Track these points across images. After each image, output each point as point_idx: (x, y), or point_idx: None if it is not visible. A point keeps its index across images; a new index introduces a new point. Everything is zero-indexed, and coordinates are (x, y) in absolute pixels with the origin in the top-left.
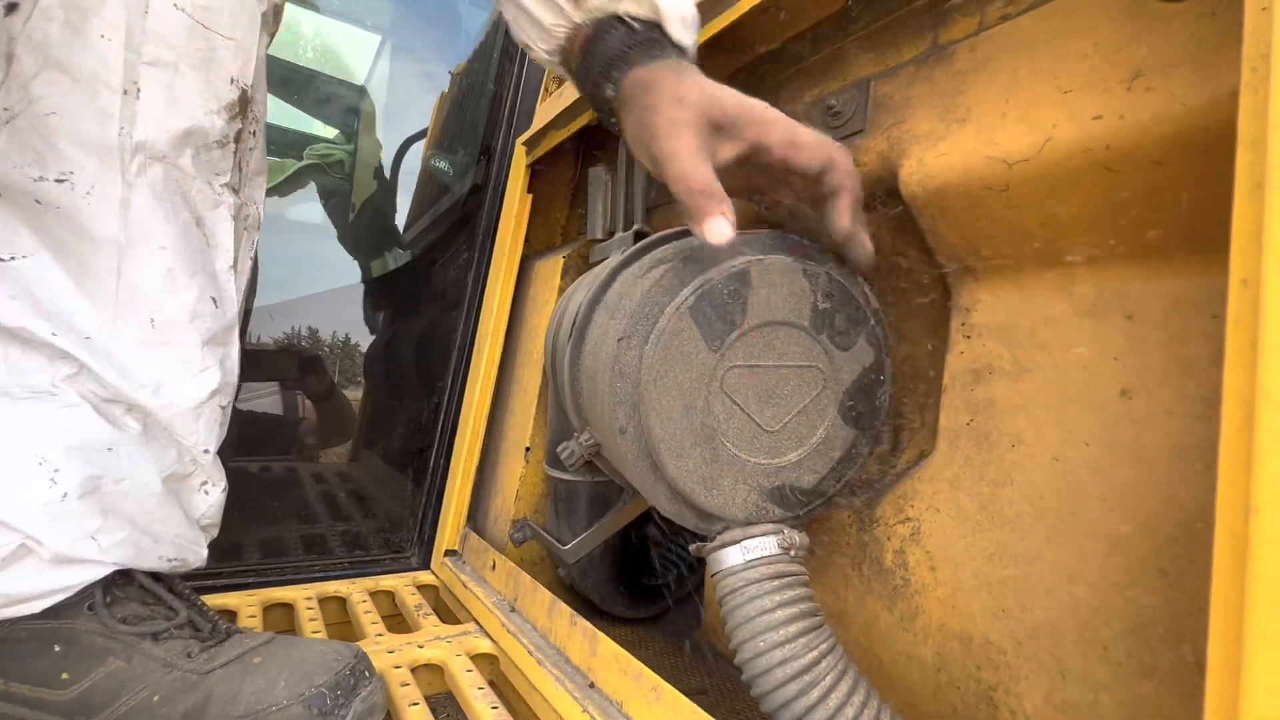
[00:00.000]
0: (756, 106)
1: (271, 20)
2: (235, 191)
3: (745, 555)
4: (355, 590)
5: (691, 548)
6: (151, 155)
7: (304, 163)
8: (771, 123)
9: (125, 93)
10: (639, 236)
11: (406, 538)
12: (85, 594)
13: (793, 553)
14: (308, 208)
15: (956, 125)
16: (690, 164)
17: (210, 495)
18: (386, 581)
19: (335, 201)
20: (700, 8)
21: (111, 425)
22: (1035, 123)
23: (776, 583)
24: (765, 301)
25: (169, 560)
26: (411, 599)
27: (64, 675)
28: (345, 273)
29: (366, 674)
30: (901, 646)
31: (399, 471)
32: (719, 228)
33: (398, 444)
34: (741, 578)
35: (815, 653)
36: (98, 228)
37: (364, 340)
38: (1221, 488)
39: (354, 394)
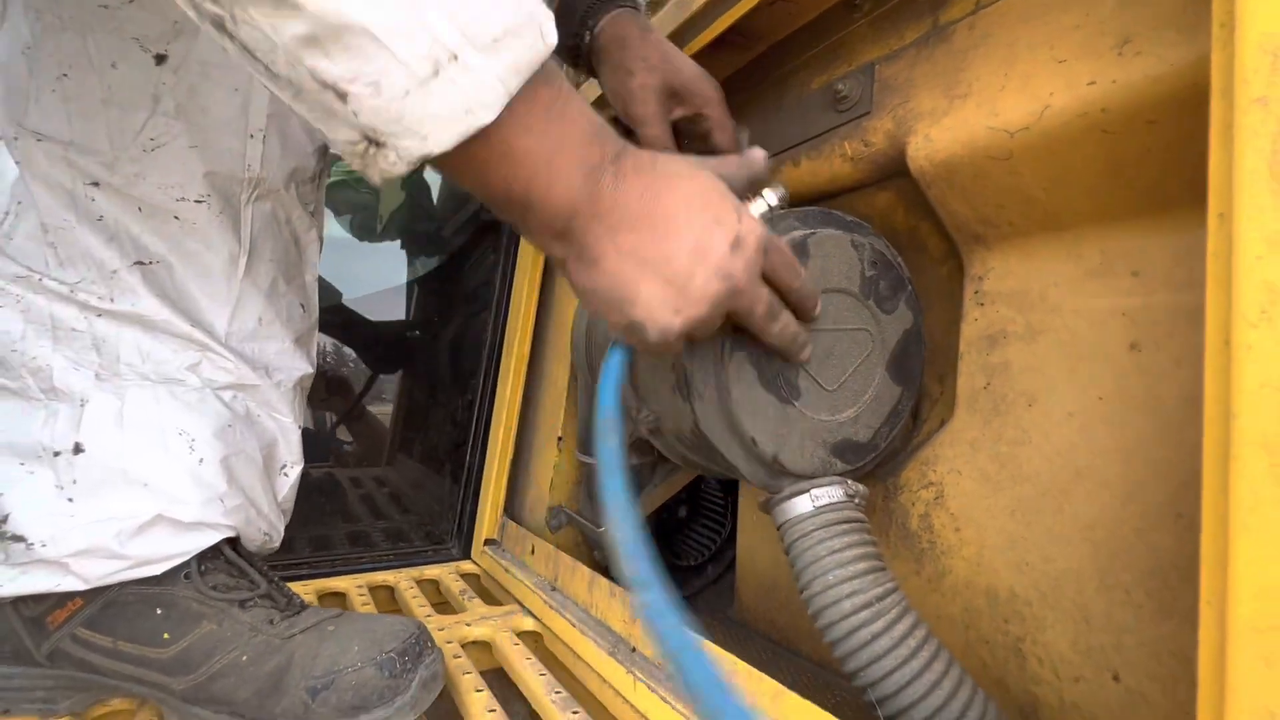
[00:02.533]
0: (706, 82)
1: None
2: (314, 217)
3: (814, 503)
4: (402, 579)
5: (759, 501)
6: (268, 188)
7: (333, 179)
8: (713, 101)
9: (252, 137)
10: None
11: (447, 530)
12: (182, 565)
13: (857, 500)
14: (331, 224)
15: (959, 101)
16: (656, 129)
17: (290, 477)
18: (430, 571)
19: (361, 216)
20: (711, 3)
21: (227, 407)
22: (1033, 92)
23: (844, 527)
24: (822, 270)
25: (263, 533)
26: (455, 585)
27: (165, 635)
28: (370, 282)
29: (430, 644)
30: (931, 606)
31: (436, 469)
32: None
33: (433, 442)
34: (811, 523)
35: (881, 589)
36: (223, 241)
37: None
38: (1207, 404)
39: (382, 409)
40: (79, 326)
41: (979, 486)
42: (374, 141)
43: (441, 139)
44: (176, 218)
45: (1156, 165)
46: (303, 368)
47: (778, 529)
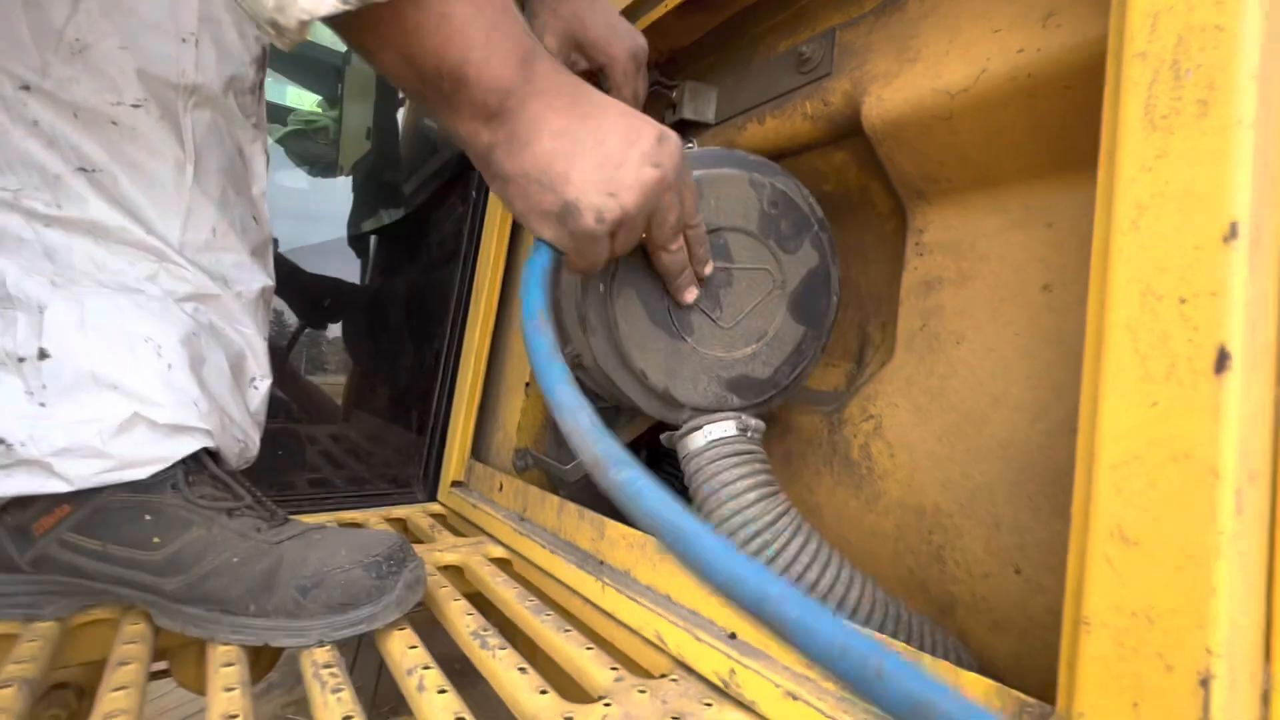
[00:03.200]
0: (615, 39)
1: None
2: (256, 128)
3: (707, 438)
4: (370, 516)
5: (662, 437)
6: (205, 95)
7: (289, 129)
8: (616, 59)
9: (184, 41)
10: None
11: (412, 474)
12: (168, 474)
13: (749, 434)
14: (285, 174)
15: (909, 64)
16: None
17: (260, 389)
18: (397, 511)
19: (318, 167)
20: None
21: (190, 317)
22: (972, 58)
23: (735, 459)
24: (715, 209)
25: (238, 441)
26: (424, 521)
27: (155, 539)
28: (324, 230)
29: (412, 553)
30: (867, 525)
31: (398, 419)
32: None
33: (394, 394)
34: (705, 457)
35: (772, 515)
36: (168, 149)
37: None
38: (1090, 298)
39: (325, 379)
40: (26, 235)
41: (912, 416)
42: None
43: None
44: (114, 123)
45: (1071, 127)
46: (262, 279)
47: (679, 462)
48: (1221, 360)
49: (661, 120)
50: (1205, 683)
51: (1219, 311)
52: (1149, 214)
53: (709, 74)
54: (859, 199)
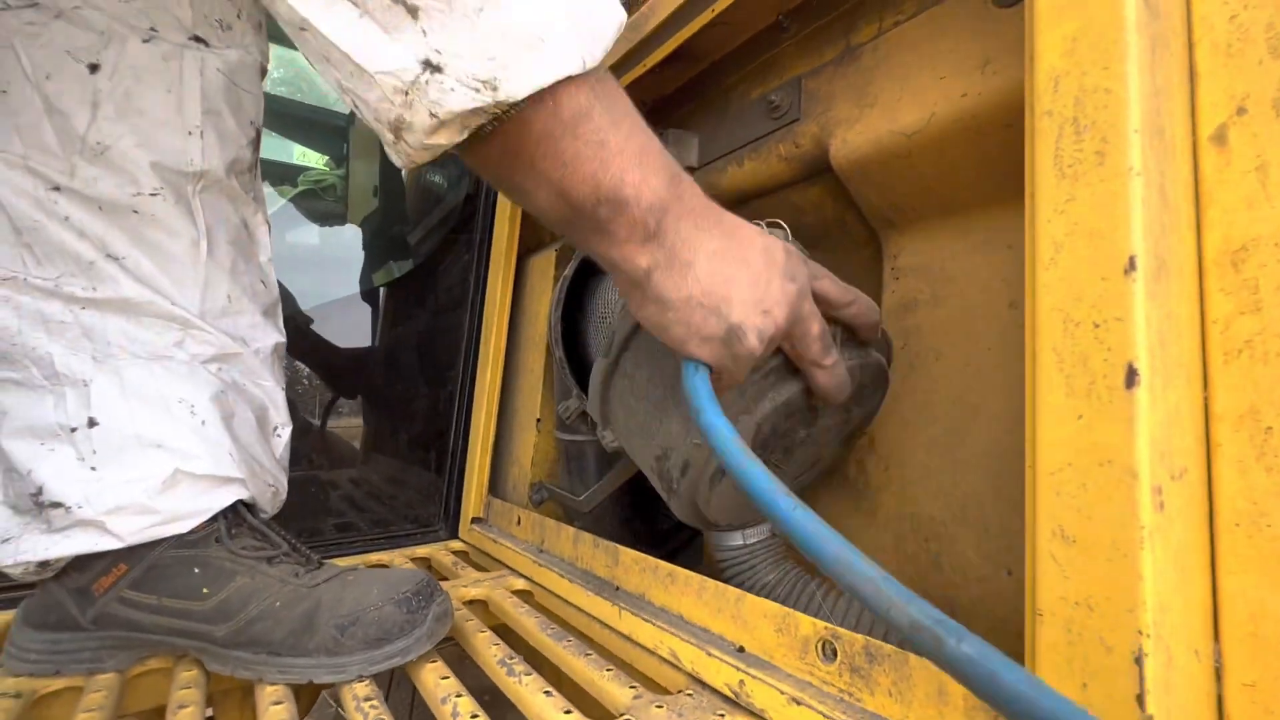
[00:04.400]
0: None
1: (264, 74)
2: (259, 209)
3: (745, 540)
4: (396, 557)
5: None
6: (211, 178)
7: (300, 189)
8: None
9: (190, 133)
10: None
11: (433, 514)
12: (212, 530)
13: (777, 534)
14: (300, 232)
15: (868, 109)
16: None
17: (282, 437)
18: (421, 550)
19: (330, 224)
20: (661, 27)
21: (215, 377)
22: (923, 103)
23: (768, 560)
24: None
25: (269, 485)
26: (447, 559)
27: (204, 590)
28: (337, 289)
29: (439, 588)
30: (868, 539)
31: (416, 460)
32: None
33: (410, 436)
34: (740, 553)
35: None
36: (183, 229)
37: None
38: (1026, 325)
39: (336, 423)
40: (67, 319)
41: (901, 431)
42: (432, 67)
43: (522, 78)
44: (135, 211)
45: (1015, 159)
46: (275, 336)
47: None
48: (1131, 376)
49: None
50: (1139, 660)
51: (1126, 334)
52: (1064, 251)
53: (689, 121)
54: (837, 229)
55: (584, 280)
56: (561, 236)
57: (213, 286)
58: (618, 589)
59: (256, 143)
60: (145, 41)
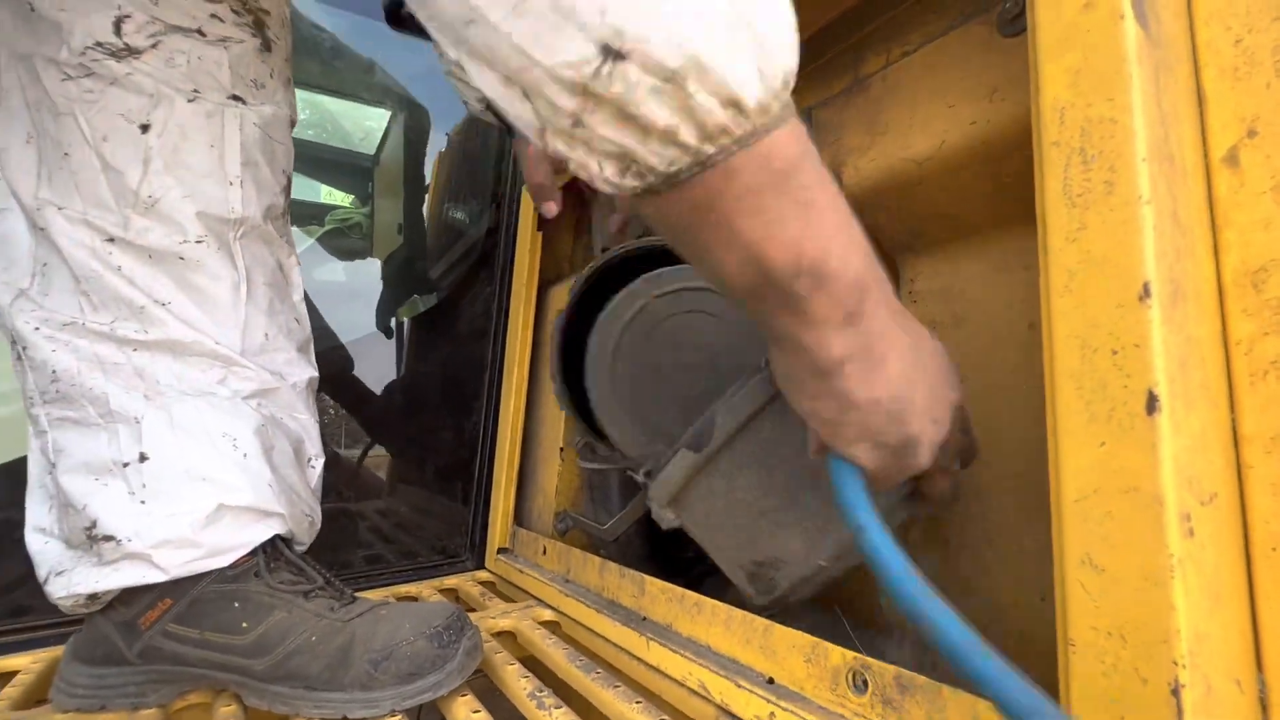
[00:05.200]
0: None
1: (292, 126)
2: (291, 254)
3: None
4: (424, 588)
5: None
6: (250, 225)
7: (327, 228)
8: None
9: (231, 183)
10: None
11: (460, 544)
12: (252, 564)
13: None
14: (327, 269)
15: (879, 137)
16: (535, 166)
17: (316, 467)
18: (449, 581)
19: (356, 261)
20: None
21: (256, 412)
22: (933, 131)
23: None
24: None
25: (306, 515)
26: (475, 590)
27: (244, 624)
28: (364, 325)
29: (468, 621)
30: None
31: (441, 491)
32: (544, 210)
33: (439, 465)
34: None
35: None
36: (224, 273)
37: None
38: (1045, 353)
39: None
40: (120, 360)
41: None
42: (614, 53)
43: (758, 80)
44: (181, 258)
45: (1029, 182)
46: (309, 371)
47: None
48: (1151, 402)
49: None
50: (1176, 691)
51: (1144, 360)
52: (1077, 278)
53: None
54: None
55: (585, 314)
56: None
57: (252, 326)
58: (645, 619)
59: (288, 189)
60: (190, 101)
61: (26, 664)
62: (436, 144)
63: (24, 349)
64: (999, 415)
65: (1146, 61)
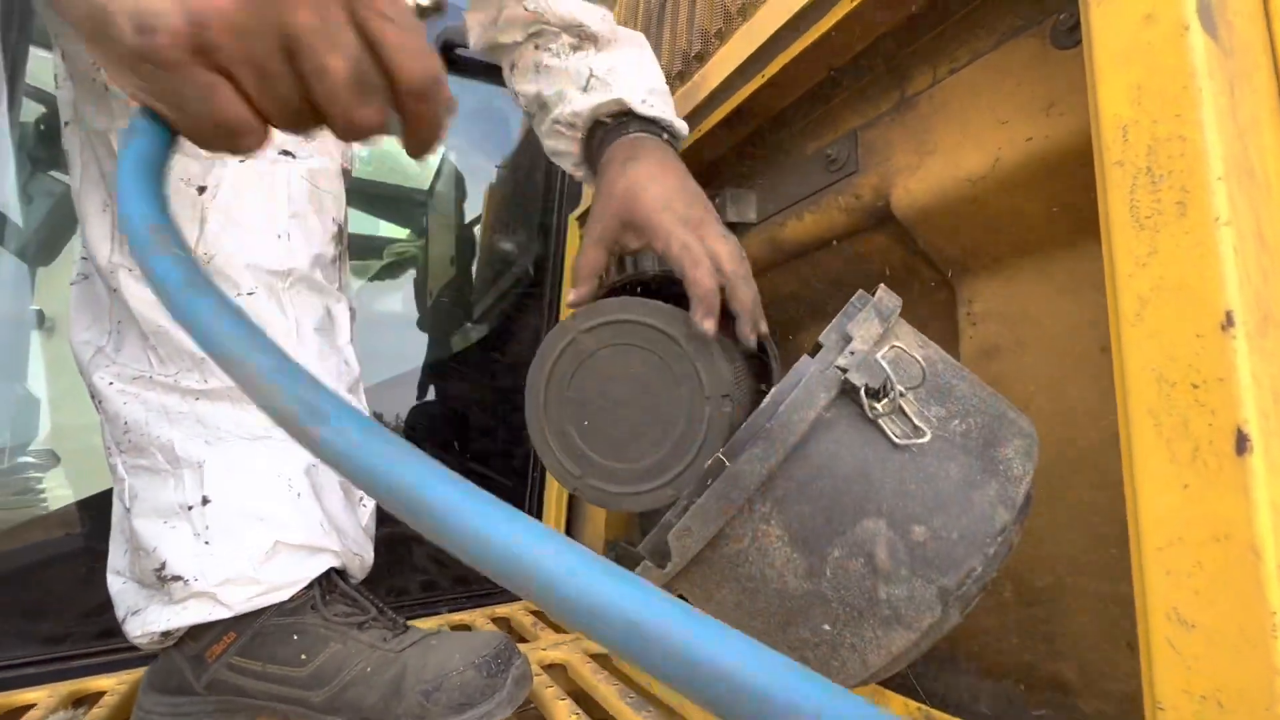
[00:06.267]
0: (661, 218)
1: (348, 175)
2: (341, 297)
3: None
4: (477, 617)
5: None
6: (298, 274)
7: (386, 261)
8: (664, 236)
9: (279, 236)
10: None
11: None
12: (309, 597)
13: None
14: (386, 300)
15: (929, 157)
16: (591, 252)
17: (367, 506)
18: (501, 609)
19: (415, 291)
20: (715, 92)
21: (307, 452)
22: (985, 149)
23: None
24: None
25: (355, 554)
26: (526, 619)
27: (302, 656)
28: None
29: (516, 651)
30: None
31: None
32: (570, 297)
33: (491, 491)
34: None
35: None
36: (275, 322)
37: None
38: (1117, 386)
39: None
40: (184, 409)
41: None
42: None
43: None
44: None
45: (1094, 198)
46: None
47: None
48: (1241, 442)
49: None
50: None
51: (1231, 396)
52: (1150, 306)
53: (746, 178)
54: (906, 275)
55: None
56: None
57: None
58: None
59: (339, 236)
60: (241, 162)
61: (112, 685)
62: (487, 177)
63: (100, 402)
64: (1071, 444)
65: (1218, 73)
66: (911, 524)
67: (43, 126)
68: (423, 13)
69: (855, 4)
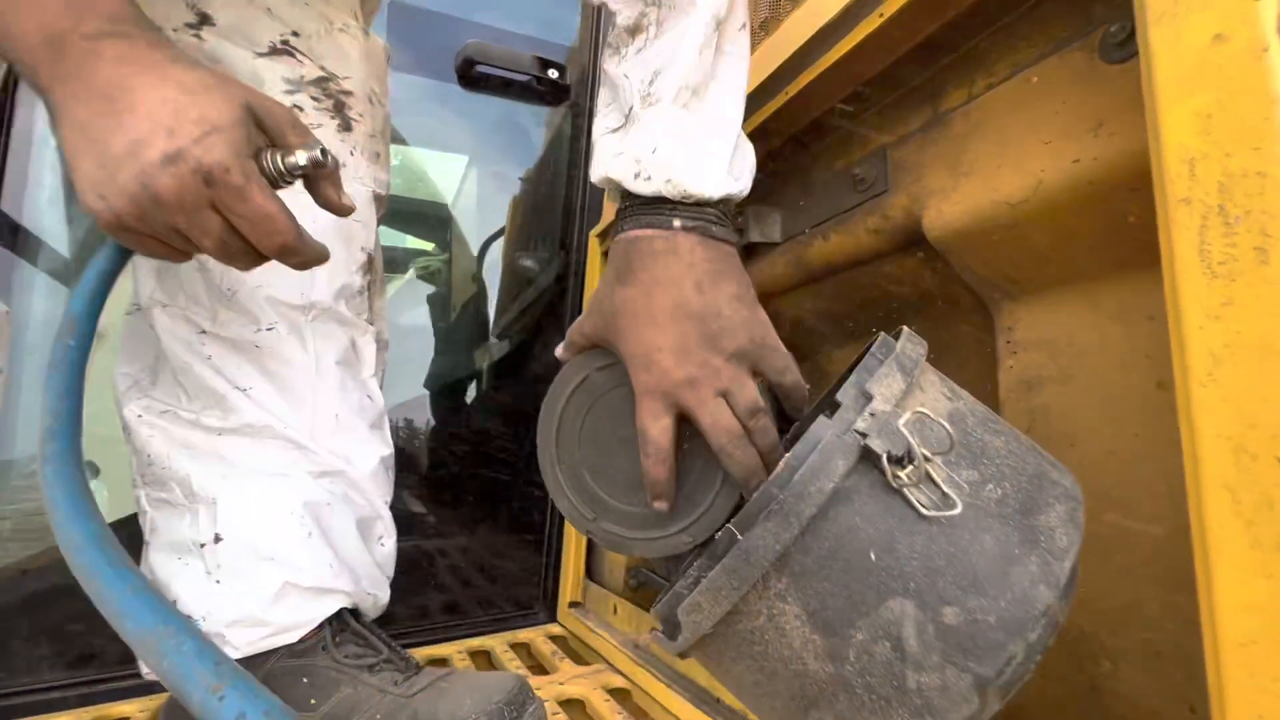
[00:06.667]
0: (643, 379)
1: (382, 201)
2: (371, 324)
3: None
4: (497, 643)
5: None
6: (321, 308)
7: (409, 276)
8: (645, 407)
9: (301, 271)
10: None
11: (533, 595)
12: (319, 638)
13: None
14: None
15: (964, 178)
16: (581, 328)
17: (386, 546)
18: (522, 635)
19: (436, 308)
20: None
21: (323, 491)
22: (1027, 170)
23: None
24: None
25: (369, 593)
26: (546, 647)
27: (312, 700)
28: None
29: (531, 694)
30: None
31: (516, 539)
32: (558, 352)
33: (513, 512)
34: None
35: None
36: (296, 357)
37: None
38: (1185, 457)
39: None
40: (204, 446)
41: None
42: None
43: None
44: (257, 346)
45: (1150, 224)
46: (380, 450)
47: None
48: None
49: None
50: None
51: None
52: (1225, 365)
53: (770, 195)
54: (940, 298)
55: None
56: None
57: (322, 408)
58: (719, 700)
59: (368, 266)
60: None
61: (134, 711)
62: (511, 188)
63: (128, 435)
64: (1122, 487)
65: None
66: (943, 605)
67: None
68: (304, 170)
69: (882, 20)
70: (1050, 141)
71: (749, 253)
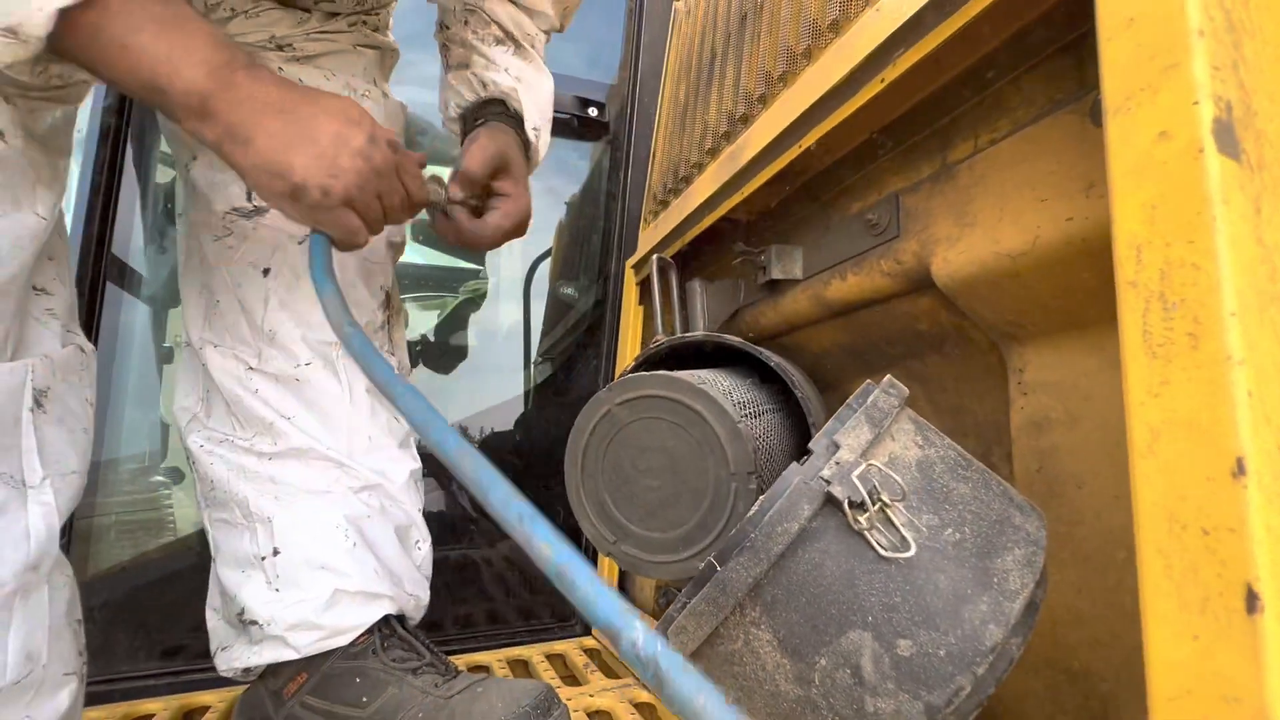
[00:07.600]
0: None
1: (398, 248)
2: (392, 354)
3: None
4: (534, 653)
5: None
6: None
7: (460, 298)
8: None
9: None
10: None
11: (571, 607)
12: (370, 643)
13: None
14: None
15: (968, 229)
16: (474, 163)
17: (422, 549)
18: (558, 646)
19: (481, 329)
20: (758, 156)
21: (363, 504)
22: (1025, 225)
23: None
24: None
25: (411, 596)
26: (579, 659)
27: (364, 699)
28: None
29: (556, 700)
30: (1016, 683)
31: None
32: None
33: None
34: None
35: None
36: (331, 387)
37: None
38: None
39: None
40: (258, 470)
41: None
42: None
43: (36, 16)
44: (298, 380)
45: None
46: (410, 465)
47: None
48: (1251, 600)
49: (754, 281)
50: None
51: (1241, 548)
52: (1161, 440)
53: (791, 234)
54: (956, 335)
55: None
56: None
57: (356, 430)
58: None
59: (386, 302)
60: (300, 244)
61: (214, 701)
62: (559, 209)
63: (193, 463)
64: (1127, 531)
65: (1238, 195)
66: (897, 638)
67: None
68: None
69: (893, 78)
70: (1045, 199)
71: (773, 288)
